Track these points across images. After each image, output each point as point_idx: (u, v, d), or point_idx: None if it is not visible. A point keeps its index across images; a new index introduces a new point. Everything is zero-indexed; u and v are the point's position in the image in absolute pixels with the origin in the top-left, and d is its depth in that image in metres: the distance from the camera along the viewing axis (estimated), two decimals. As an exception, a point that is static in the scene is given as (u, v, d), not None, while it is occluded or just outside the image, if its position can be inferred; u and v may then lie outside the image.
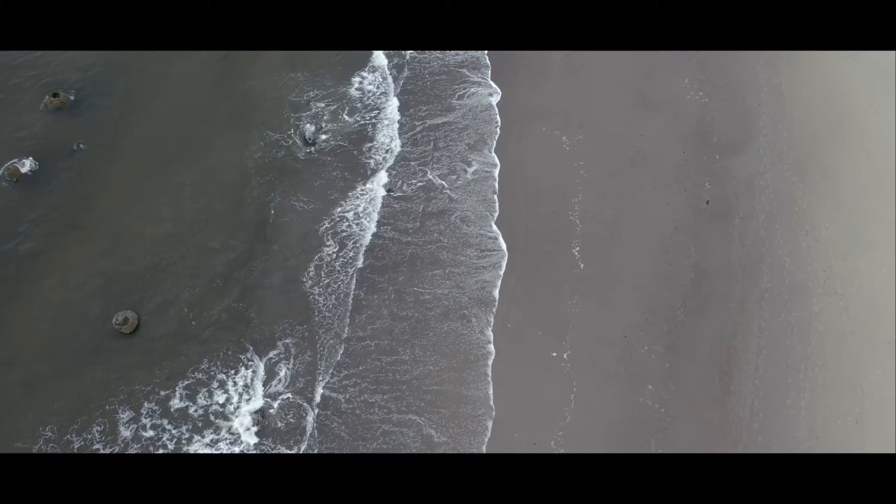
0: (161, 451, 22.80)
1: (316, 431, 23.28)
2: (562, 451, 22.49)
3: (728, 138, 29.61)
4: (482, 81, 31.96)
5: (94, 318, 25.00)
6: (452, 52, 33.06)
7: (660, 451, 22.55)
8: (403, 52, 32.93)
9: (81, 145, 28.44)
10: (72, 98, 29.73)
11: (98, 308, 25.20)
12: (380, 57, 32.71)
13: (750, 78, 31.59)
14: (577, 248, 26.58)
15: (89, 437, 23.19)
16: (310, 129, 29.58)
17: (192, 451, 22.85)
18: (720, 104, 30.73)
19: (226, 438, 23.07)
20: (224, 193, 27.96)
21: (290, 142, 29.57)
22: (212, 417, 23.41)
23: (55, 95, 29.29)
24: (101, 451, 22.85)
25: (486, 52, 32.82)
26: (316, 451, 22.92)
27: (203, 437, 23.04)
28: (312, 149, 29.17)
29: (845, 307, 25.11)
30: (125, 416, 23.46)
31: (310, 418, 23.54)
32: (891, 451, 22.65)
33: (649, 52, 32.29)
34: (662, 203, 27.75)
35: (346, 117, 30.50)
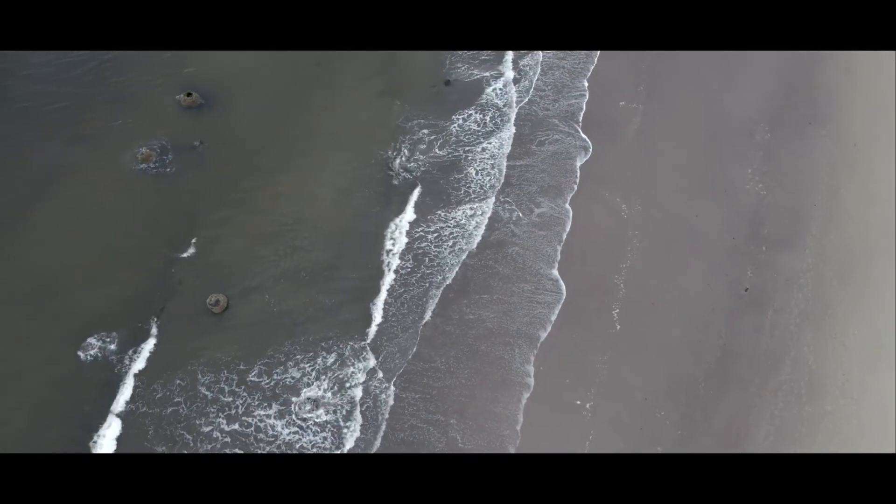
0: (232, 412, 26.84)
1: (360, 417, 26.88)
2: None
3: (778, 232, 31.67)
4: (573, 133, 34.56)
5: (190, 297, 28.93)
6: (547, 101, 35.66)
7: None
8: (518, 96, 35.41)
9: (202, 143, 32.48)
10: (202, 101, 33.63)
11: (194, 289, 29.09)
12: (491, 96, 35.40)
13: (810, 177, 33.44)
14: (617, 310, 29.28)
15: (172, 388, 27.43)
16: (404, 153, 33.14)
17: (260, 415, 26.78)
18: (777, 198, 32.75)
19: (290, 412, 26.93)
20: (316, 202, 31.71)
21: (383, 164, 33.20)
22: (278, 391, 27.31)
23: (188, 94, 33.27)
24: (181, 404, 27.04)
25: (582, 110, 35.20)
26: (358, 434, 26.60)
27: (270, 407, 26.99)
28: (405, 173, 32.64)
29: (857, 412, 27.00)
30: (205, 378, 27.62)
31: (364, 406, 27.14)
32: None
33: (717, 136, 34.51)
34: (704, 283, 30.13)
35: (438, 150, 33.64)
